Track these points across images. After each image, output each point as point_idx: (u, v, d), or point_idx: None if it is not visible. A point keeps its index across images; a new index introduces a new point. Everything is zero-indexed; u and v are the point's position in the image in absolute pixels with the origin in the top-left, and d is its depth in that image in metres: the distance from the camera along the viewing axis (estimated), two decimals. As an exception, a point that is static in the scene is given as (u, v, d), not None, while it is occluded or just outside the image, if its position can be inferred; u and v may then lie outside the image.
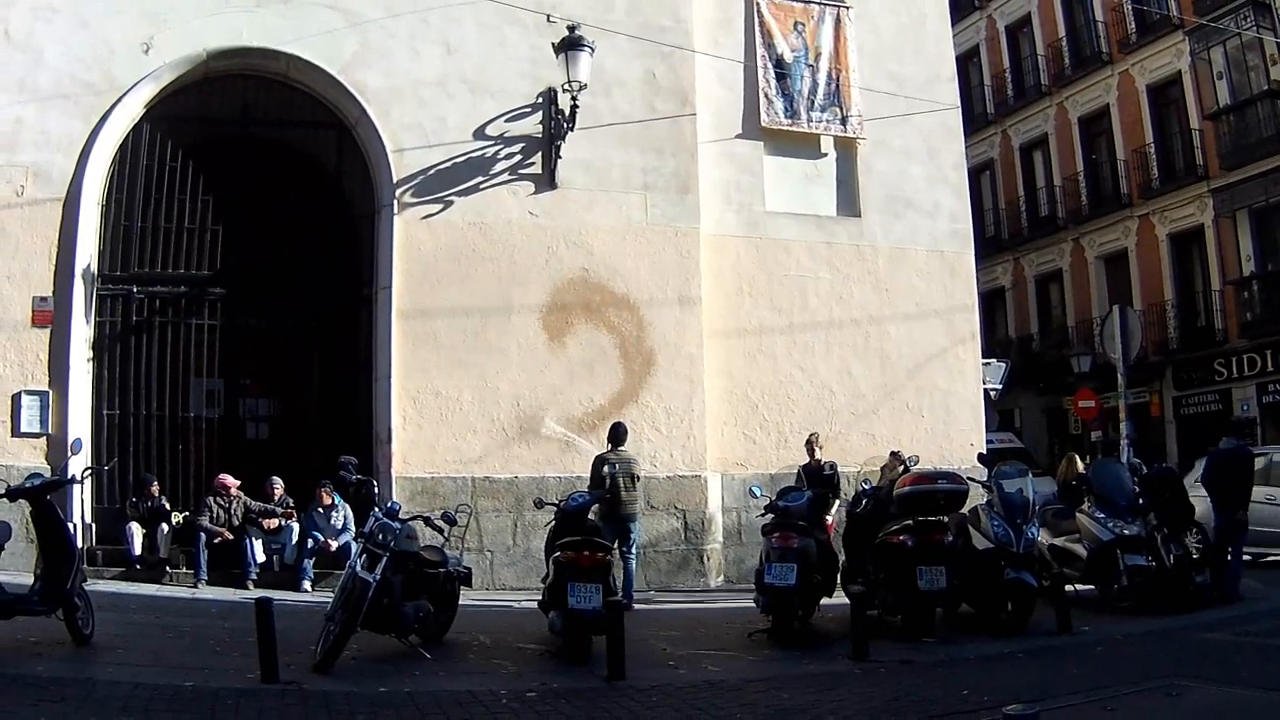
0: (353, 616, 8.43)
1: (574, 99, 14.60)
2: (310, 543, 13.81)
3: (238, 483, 14.05)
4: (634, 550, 13.37)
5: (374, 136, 14.86)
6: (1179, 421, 28.18)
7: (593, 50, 14.62)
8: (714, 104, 16.63)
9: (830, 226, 17.21)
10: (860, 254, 17.24)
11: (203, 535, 13.53)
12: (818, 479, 13.69)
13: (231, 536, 13.70)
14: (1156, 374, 28.10)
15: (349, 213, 15.58)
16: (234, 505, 13.93)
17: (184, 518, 13.93)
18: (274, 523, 14.01)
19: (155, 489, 13.92)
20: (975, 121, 31.42)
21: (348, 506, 13.98)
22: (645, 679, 8.48)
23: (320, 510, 14.08)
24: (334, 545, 13.77)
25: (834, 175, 17.47)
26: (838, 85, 17.40)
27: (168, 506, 13.93)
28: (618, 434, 13.43)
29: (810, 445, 14.72)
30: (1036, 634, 10.35)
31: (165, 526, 13.73)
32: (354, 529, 13.66)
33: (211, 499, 13.88)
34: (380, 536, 8.90)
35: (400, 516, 9.44)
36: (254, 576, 13.55)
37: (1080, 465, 14.43)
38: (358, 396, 15.07)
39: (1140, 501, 12.37)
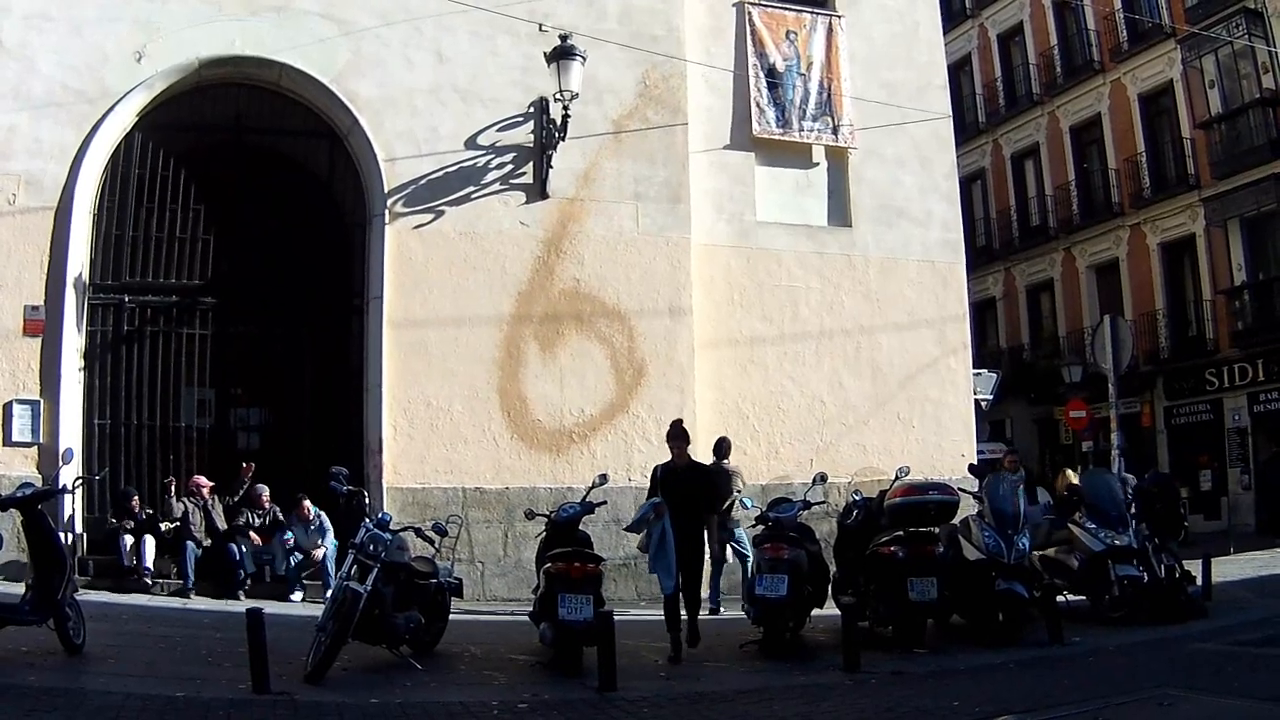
0: (344, 627, 8.43)
1: (566, 108, 14.62)
2: (295, 556, 13.90)
3: (210, 484, 14.05)
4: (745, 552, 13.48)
5: (366, 145, 14.86)
6: (1170, 431, 28.19)
7: (585, 59, 14.65)
8: (706, 113, 16.67)
9: (821, 236, 17.24)
10: (851, 264, 17.25)
11: (189, 545, 13.49)
12: (685, 482, 10.60)
13: (209, 541, 13.71)
14: (1148, 384, 28.11)
15: (341, 221, 15.58)
16: (211, 505, 13.92)
17: (174, 527, 13.88)
18: (256, 540, 13.97)
19: (135, 503, 13.82)
20: (967, 131, 31.53)
21: (324, 515, 13.99)
22: (636, 690, 8.49)
23: (299, 522, 14.08)
24: (319, 554, 13.83)
25: (825, 185, 17.51)
26: (829, 94, 17.42)
27: (159, 515, 13.88)
28: (719, 448, 13.76)
29: (674, 434, 11.05)
30: (1028, 645, 10.37)
31: (152, 537, 13.68)
32: (330, 532, 13.85)
33: (186, 500, 13.85)
34: (371, 547, 8.92)
35: (391, 527, 9.47)
36: (245, 587, 13.55)
37: (1073, 478, 14.45)
38: (349, 406, 15.05)
39: (1132, 510, 12.39)
